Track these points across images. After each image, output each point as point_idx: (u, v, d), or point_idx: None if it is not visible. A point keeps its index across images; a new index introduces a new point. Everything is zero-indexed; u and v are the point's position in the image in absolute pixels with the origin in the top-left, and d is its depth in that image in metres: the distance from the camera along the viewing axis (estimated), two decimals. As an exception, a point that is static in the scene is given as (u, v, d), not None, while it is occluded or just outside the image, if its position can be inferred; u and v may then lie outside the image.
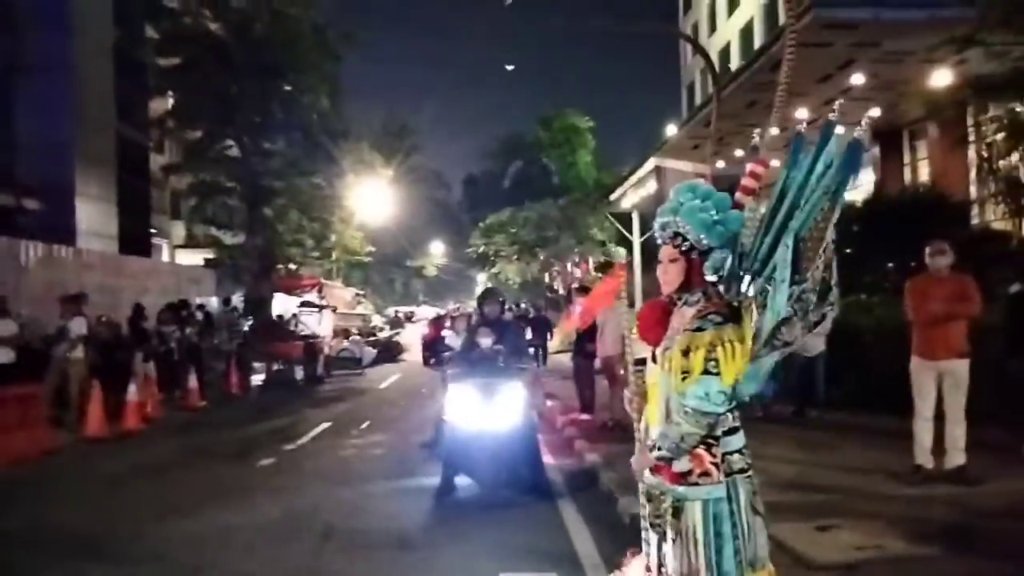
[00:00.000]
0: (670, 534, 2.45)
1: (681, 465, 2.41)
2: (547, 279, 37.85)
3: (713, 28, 34.59)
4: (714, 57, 33.86)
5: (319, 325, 19.56)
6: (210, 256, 26.23)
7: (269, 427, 10.61)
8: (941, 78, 12.40)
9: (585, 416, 9.75)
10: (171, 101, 23.85)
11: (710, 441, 2.39)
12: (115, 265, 17.72)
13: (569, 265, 33.53)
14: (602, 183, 41.08)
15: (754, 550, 2.42)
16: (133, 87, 24.52)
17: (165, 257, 30.27)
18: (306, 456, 8.45)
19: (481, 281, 58.17)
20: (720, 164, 16.02)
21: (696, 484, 2.41)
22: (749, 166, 2.50)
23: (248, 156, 22.27)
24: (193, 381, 13.00)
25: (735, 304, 2.43)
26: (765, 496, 5.85)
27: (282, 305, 21.92)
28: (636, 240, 25.89)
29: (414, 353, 25.45)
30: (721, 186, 2.63)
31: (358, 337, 23.56)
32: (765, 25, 28.14)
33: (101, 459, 8.48)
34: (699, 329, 2.37)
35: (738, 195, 2.49)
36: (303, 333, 18.32)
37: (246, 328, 20.88)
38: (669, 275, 2.54)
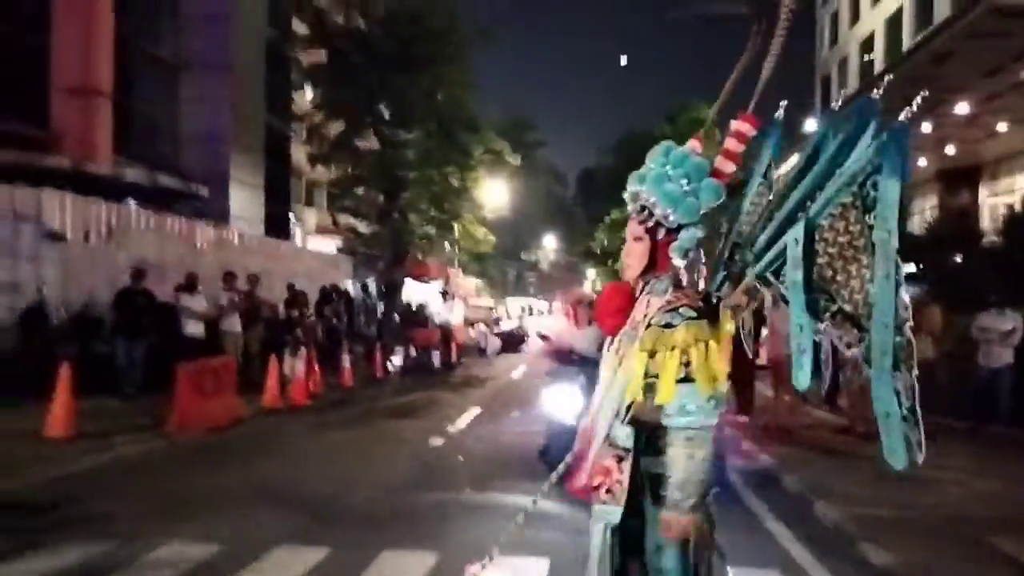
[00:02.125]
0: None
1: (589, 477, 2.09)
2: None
3: (856, 17, 32.77)
4: (855, 49, 32.25)
5: (451, 313, 20.10)
6: (339, 243, 27.55)
7: (422, 408, 11.06)
8: None
9: (742, 418, 9.58)
10: (310, 93, 25.17)
11: (621, 454, 2.04)
12: (269, 248, 18.85)
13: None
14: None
15: None
16: (279, 80, 25.95)
17: (298, 242, 31.86)
18: (471, 438, 8.74)
19: (591, 276, 57.87)
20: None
21: (603, 503, 2.10)
22: (734, 124, 2.08)
23: (385, 147, 23.18)
24: (346, 361, 13.69)
25: (713, 298, 2.04)
26: (970, 507, 5.56)
27: (412, 292, 22.72)
28: None
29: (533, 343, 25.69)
30: None
31: (484, 327, 24.06)
32: (916, 14, 26.40)
33: (289, 426, 9.16)
34: (668, 325, 1.97)
35: (718, 161, 2.06)
36: (437, 321, 18.87)
37: (380, 313, 21.82)
38: (632, 256, 2.12)
